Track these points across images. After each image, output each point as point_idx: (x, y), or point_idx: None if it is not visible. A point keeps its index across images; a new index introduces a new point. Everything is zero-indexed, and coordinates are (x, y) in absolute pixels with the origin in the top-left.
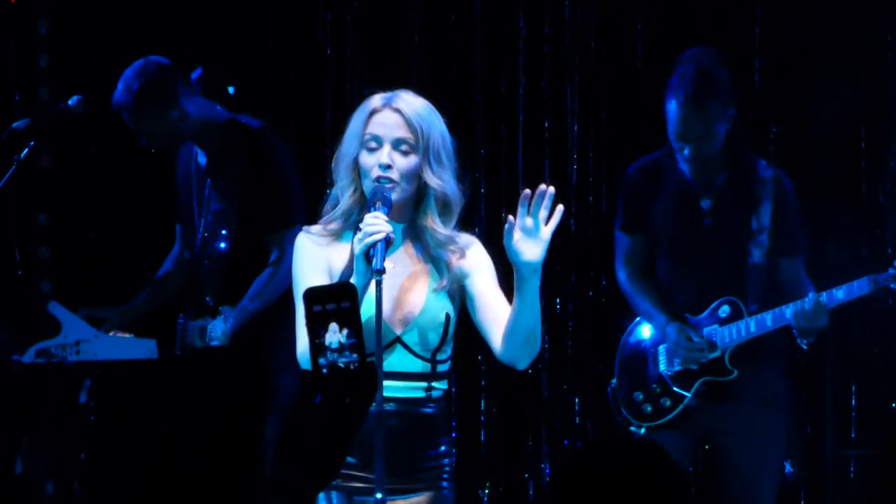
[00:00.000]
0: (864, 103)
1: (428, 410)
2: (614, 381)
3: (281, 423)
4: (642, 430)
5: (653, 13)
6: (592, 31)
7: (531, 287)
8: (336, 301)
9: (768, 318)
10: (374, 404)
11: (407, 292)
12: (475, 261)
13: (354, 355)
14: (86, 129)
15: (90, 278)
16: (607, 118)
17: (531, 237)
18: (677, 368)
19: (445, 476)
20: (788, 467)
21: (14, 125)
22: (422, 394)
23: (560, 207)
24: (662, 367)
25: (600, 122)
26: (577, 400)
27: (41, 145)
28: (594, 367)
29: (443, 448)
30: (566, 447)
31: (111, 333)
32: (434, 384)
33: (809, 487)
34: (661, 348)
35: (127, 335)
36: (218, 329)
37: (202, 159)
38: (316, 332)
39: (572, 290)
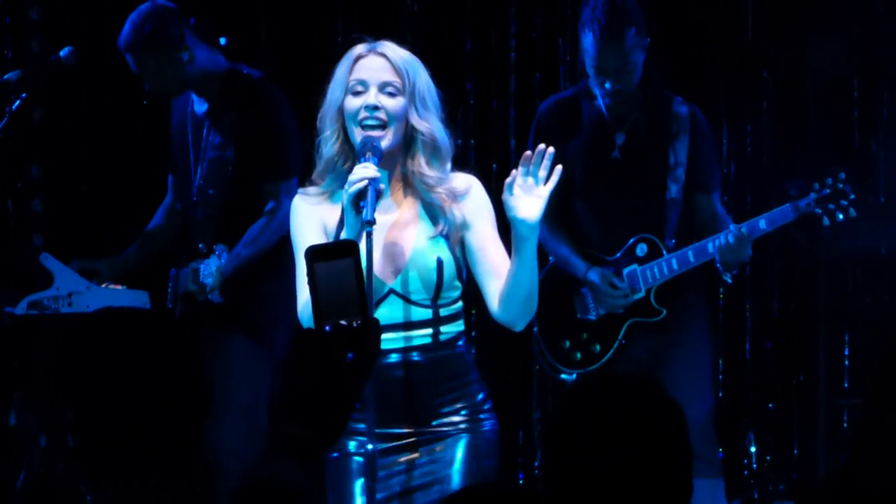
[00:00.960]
0: (856, 53)
1: (442, 353)
2: (535, 328)
3: (281, 380)
4: (572, 377)
5: None
6: None
7: (529, 247)
8: (338, 258)
9: (690, 254)
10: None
11: (396, 241)
12: (474, 208)
13: (357, 320)
14: (77, 81)
15: (82, 230)
16: None
17: (529, 195)
18: (602, 313)
19: (483, 416)
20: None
21: (5, 77)
22: (428, 340)
23: (559, 168)
24: (590, 313)
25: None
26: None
27: (33, 97)
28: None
29: (470, 388)
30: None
31: (104, 285)
32: (442, 328)
33: (802, 436)
34: (584, 293)
35: (119, 287)
36: (212, 265)
37: (198, 108)
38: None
39: None
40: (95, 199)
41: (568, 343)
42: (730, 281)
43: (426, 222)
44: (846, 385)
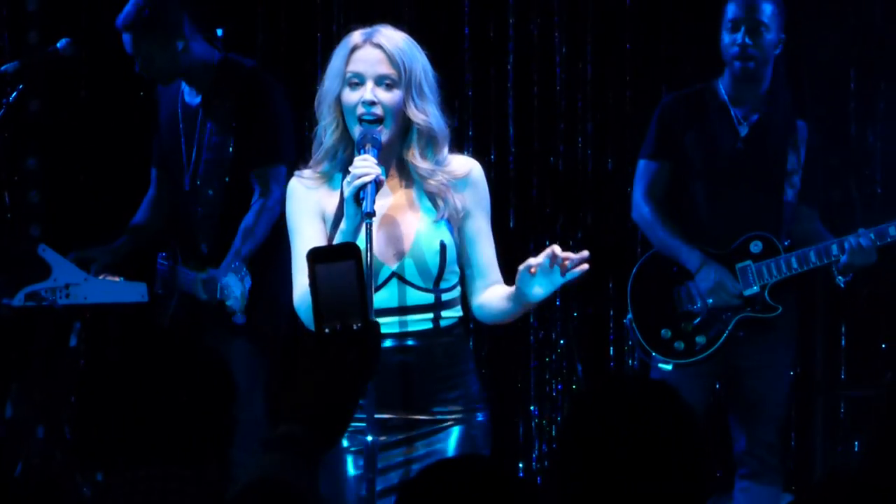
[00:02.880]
0: (852, 44)
1: (443, 340)
2: (630, 315)
3: (282, 381)
4: (669, 367)
5: None
6: None
7: (527, 307)
8: (340, 260)
9: (812, 254)
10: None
11: (398, 227)
12: (471, 198)
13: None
14: (75, 73)
15: (80, 222)
16: (595, 61)
17: (545, 276)
18: (711, 306)
19: (478, 406)
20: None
21: (2, 69)
22: (429, 325)
23: (585, 266)
24: (696, 304)
25: (587, 66)
26: (563, 342)
27: (30, 89)
28: (584, 310)
29: (467, 378)
30: (559, 390)
31: (101, 276)
32: (443, 313)
33: (800, 428)
34: (691, 285)
35: (117, 278)
36: (235, 289)
37: (190, 99)
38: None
39: (560, 232)
40: (92, 190)
41: (669, 333)
42: (842, 285)
43: (426, 207)
44: (843, 376)
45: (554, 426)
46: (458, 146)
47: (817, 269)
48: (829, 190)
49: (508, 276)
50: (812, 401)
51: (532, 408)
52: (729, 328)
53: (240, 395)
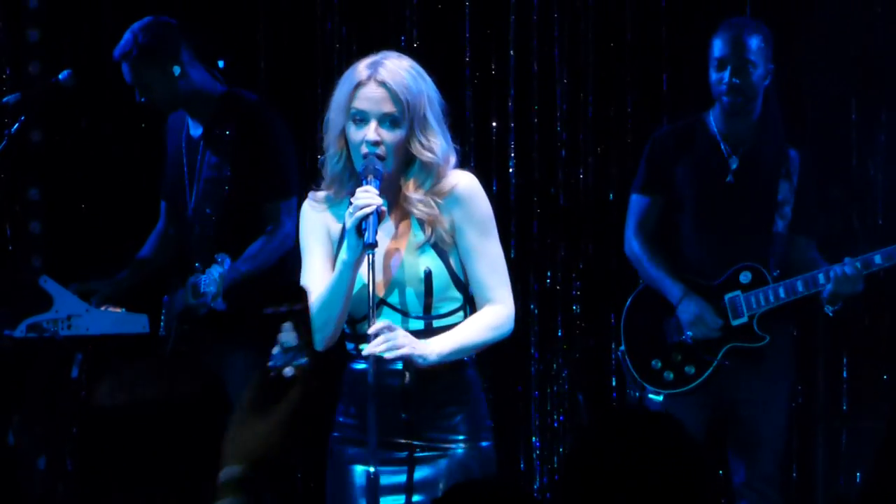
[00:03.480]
0: (854, 76)
1: (437, 367)
2: (623, 347)
3: (229, 422)
4: (660, 398)
5: None
6: (581, 8)
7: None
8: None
9: (799, 284)
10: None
11: (388, 255)
12: (461, 214)
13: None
14: (76, 104)
15: (81, 253)
16: (596, 93)
17: None
18: (698, 337)
19: (482, 434)
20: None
21: (4, 100)
22: None
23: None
24: (684, 335)
25: (589, 97)
26: (566, 373)
27: (32, 120)
28: (585, 341)
29: (468, 405)
30: (561, 422)
31: (103, 308)
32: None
33: (801, 459)
34: (678, 316)
35: (118, 310)
36: (214, 273)
37: (194, 132)
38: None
39: (561, 263)
40: (94, 221)
41: (659, 363)
42: (831, 314)
43: (415, 232)
44: (845, 408)
45: (556, 457)
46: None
47: (812, 299)
48: (830, 220)
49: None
50: (813, 432)
51: (534, 439)
52: (717, 358)
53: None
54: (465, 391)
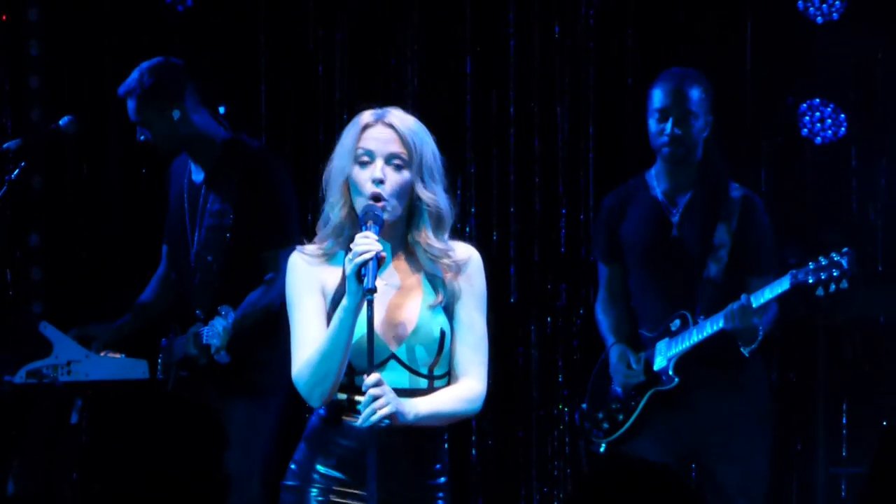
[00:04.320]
0: (853, 121)
1: (428, 427)
2: (584, 405)
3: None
4: (601, 448)
5: (642, 35)
6: (582, 52)
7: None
8: None
9: (706, 326)
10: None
11: (401, 308)
12: (463, 285)
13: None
14: (77, 150)
15: (81, 299)
16: (597, 138)
17: None
18: (620, 383)
19: (441, 495)
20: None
21: (5, 146)
22: None
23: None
24: (616, 385)
25: (590, 142)
26: (566, 419)
27: (32, 166)
28: (585, 386)
29: (440, 466)
30: (562, 468)
31: (102, 353)
32: None
33: None
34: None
35: (118, 355)
36: (218, 326)
37: (196, 177)
38: None
39: (563, 309)
40: (94, 267)
41: (602, 414)
42: (746, 354)
43: (429, 291)
44: (844, 454)
45: (556, 502)
46: (461, 222)
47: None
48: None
49: (503, 355)
50: (813, 478)
51: (534, 483)
52: (642, 403)
53: (236, 452)
54: (444, 449)
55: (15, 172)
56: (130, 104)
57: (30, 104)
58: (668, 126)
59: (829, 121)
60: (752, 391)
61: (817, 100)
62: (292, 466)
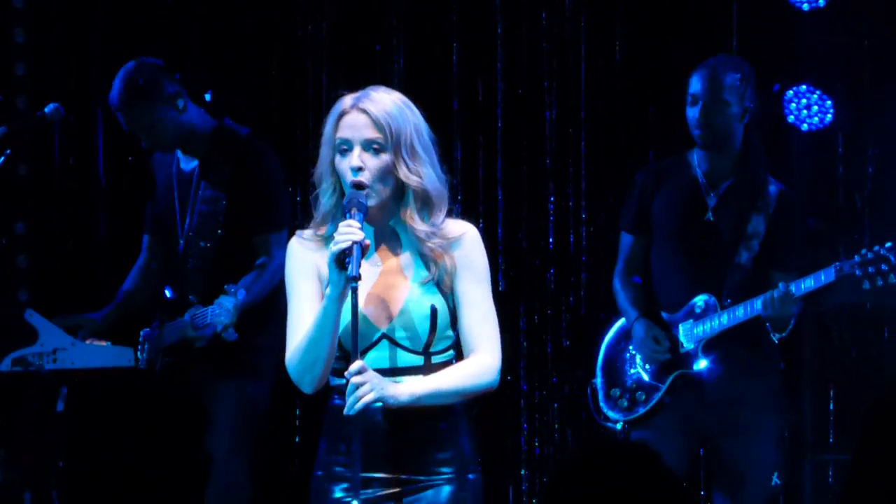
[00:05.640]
0: (840, 108)
1: (418, 406)
2: (594, 380)
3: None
4: (619, 426)
5: (629, 21)
6: (569, 38)
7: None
8: None
9: (739, 310)
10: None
11: (389, 288)
12: (460, 260)
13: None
14: (62, 138)
15: (67, 287)
16: (586, 126)
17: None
18: (644, 361)
19: (470, 467)
20: (776, 479)
21: None
22: None
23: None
24: (638, 362)
25: (578, 129)
26: (556, 405)
27: (18, 153)
28: (573, 373)
29: (459, 438)
30: (549, 454)
31: (88, 341)
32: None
33: (788, 492)
34: (632, 339)
35: (104, 343)
36: (227, 303)
37: (185, 165)
38: None
39: (551, 296)
40: (80, 255)
41: (618, 391)
42: (776, 340)
43: (419, 269)
44: (831, 440)
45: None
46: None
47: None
48: (816, 255)
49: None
50: (800, 465)
51: (523, 471)
52: (665, 385)
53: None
54: (454, 425)
55: (0, 160)
56: (124, 115)
57: (15, 92)
58: (698, 112)
59: (816, 107)
60: (767, 376)
61: (804, 86)
62: (319, 455)
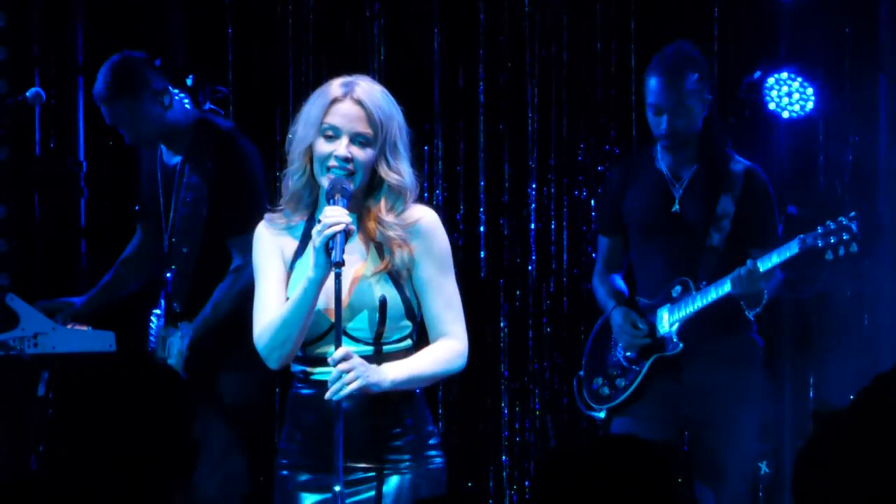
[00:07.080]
0: (821, 95)
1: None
2: (581, 372)
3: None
4: (601, 414)
5: (612, 8)
6: (552, 25)
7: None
8: None
9: (711, 291)
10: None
11: (344, 279)
12: (419, 248)
13: None
14: (43, 122)
15: (48, 271)
16: (567, 114)
17: None
18: (623, 347)
19: (430, 454)
20: (764, 468)
21: None
22: None
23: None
24: (618, 351)
25: (560, 116)
26: (536, 392)
27: None
28: (554, 360)
29: (415, 425)
30: (530, 440)
31: (69, 326)
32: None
33: (768, 480)
34: (611, 328)
35: (85, 327)
36: (174, 346)
37: (168, 159)
38: None
39: (532, 284)
40: (61, 239)
41: (600, 380)
42: (751, 318)
43: (373, 259)
44: (811, 429)
45: (525, 476)
46: (430, 196)
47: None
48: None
49: (472, 330)
50: (780, 452)
51: (503, 458)
52: (644, 369)
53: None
54: (410, 415)
55: None
56: (109, 109)
57: None
58: (664, 122)
59: (797, 95)
60: (748, 364)
61: (785, 74)
62: (280, 444)
